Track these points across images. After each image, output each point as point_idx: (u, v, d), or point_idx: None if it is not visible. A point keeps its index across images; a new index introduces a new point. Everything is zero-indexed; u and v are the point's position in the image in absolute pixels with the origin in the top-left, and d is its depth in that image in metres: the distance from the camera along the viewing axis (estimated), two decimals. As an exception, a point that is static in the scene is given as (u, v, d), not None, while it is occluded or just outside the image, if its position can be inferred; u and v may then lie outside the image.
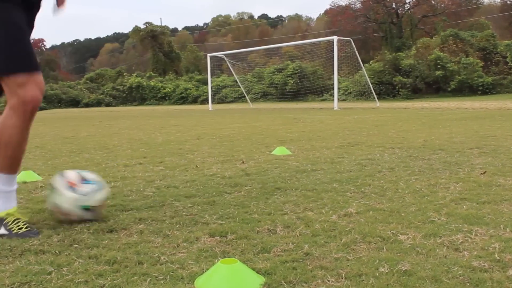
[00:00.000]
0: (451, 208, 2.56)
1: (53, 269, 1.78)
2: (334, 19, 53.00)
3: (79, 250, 2.01)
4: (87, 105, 41.90)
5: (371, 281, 1.62)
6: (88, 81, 49.89)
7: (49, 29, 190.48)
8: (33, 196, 3.17)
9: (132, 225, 2.37)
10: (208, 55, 28.16)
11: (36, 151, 5.95)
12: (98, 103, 42.49)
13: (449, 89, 29.67)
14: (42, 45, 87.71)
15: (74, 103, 42.45)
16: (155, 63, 57.69)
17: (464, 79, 29.10)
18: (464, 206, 2.59)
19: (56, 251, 2.00)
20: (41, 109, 37.57)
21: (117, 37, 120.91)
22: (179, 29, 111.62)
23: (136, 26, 59.53)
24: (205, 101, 36.22)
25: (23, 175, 3.81)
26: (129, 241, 2.11)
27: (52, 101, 40.77)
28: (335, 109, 18.83)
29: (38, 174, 3.95)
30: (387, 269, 1.71)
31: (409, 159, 4.42)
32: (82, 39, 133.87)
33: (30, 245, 2.07)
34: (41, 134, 9.10)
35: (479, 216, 2.37)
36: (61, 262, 1.85)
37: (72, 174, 2.53)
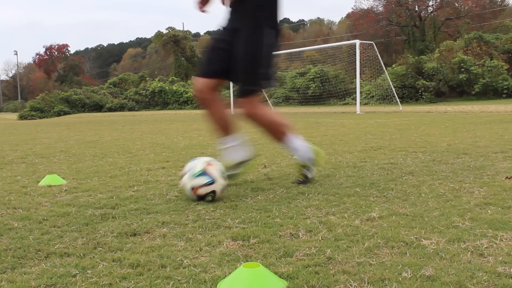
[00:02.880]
0: (476, 213, 2.53)
1: (77, 272, 1.81)
2: (356, 22, 52.81)
3: (103, 253, 2.03)
4: (110, 109, 42.28)
5: (394, 286, 1.61)
6: (111, 86, 50.36)
7: (73, 34, 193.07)
8: (57, 199, 3.21)
9: (155, 229, 2.39)
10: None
11: (61, 155, 6.03)
12: (121, 108, 42.83)
13: (473, 92, 29.32)
14: (67, 51, 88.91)
15: (98, 107, 42.88)
16: (178, 68, 58.01)
17: (489, 82, 28.72)
18: (489, 211, 2.56)
19: (81, 254, 2.02)
20: (65, 113, 38.02)
21: (140, 42, 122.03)
22: (201, 33, 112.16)
23: (158, 31, 59.90)
24: (227, 106, 36.31)
25: (48, 179, 3.86)
26: (152, 244, 2.13)
27: (76, 106, 41.23)
28: (357, 113, 18.74)
29: (63, 178, 4.00)
30: (410, 274, 1.70)
31: (432, 163, 4.38)
32: (105, 44, 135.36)
33: (55, 248, 2.10)
34: (65, 138, 9.21)
35: (504, 221, 2.34)
36: (85, 265, 1.88)
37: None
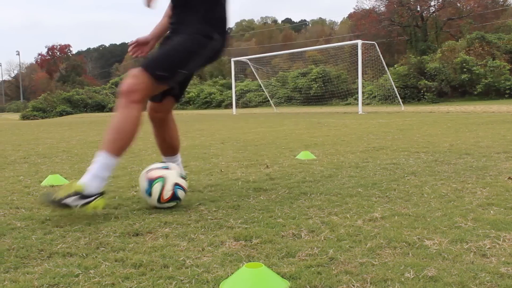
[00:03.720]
0: (478, 213, 2.53)
1: (80, 272, 1.81)
2: (358, 22, 52.77)
3: (105, 253, 2.04)
4: (112, 109, 42.34)
5: (396, 287, 1.61)
6: (113, 86, 50.40)
7: (75, 35, 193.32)
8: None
9: (157, 229, 2.39)
10: (232, 59, 28.25)
11: (63, 155, 6.04)
12: (123, 108, 42.81)
13: (475, 92, 29.31)
14: (69, 51, 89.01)
15: (100, 107, 42.97)
16: (180, 68, 57.89)
17: (491, 82, 28.71)
18: (491, 212, 2.56)
19: (83, 253, 2.03)
20: (67, 113, 38.07)
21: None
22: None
23: (160, 31, 59.83)
24: (229, 106, 36.33)
25: (50, 179, 3.87)
26: (155, 244, 2.13)
27: (78, 106, 41.32)
28: (359, 113, 18.74)
29: (65, 178, 4.01)
30: (412, 275, 1.70)
31: (435, 163, 4.38)
32: (107, 45, 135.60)
33: (58, 248, 2.10)
34: (68, 139, 9.22)
35: (507, 222, 2.34)
36: (88, 264, 1.88)
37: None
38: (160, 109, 3.21)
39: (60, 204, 2.48)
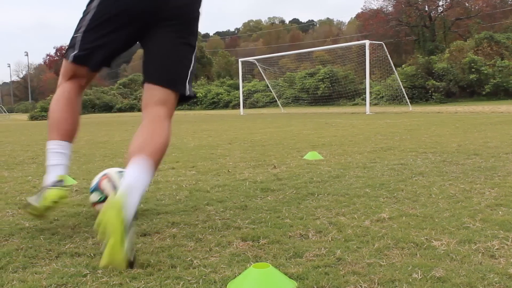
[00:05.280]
0: (486, 214, 2.52)
1: (88, 272, 1.81)
2: (365, 23, 52.72)
3: (113, 253, 2.04)
4: (120, 110, 42.48)
5: (404, 287, 1.60)
6: (121, 87, 50.61)
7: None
8: (68, 199, 3.22)
9: (165, 229, 2.40)
10: (240, 60, 28.26)
11: (71, 156, 6.05)
12: (131, 108, 42.99)
13: (483, 92, 29.18)
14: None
15: (108, 108, 43.09)
16: (187, 68, 58.00)
17: (499, 82, 28.58)
18: (500, 212, 2.55)
19: (91, 253, 2.03)
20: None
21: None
22: (211, 34, 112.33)
23: (168, 31, 59.99)
24: (236, 106, 36.34)
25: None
26: (162, 244, 2.14)
27: (86, 106, 41.45)
28: (367, 113, 18.69)
29: (73, 178, 4.02)
30: (420, 275, 1.69)
31: (443, 164, 4.36)
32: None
33: (66, 248, 2.11)
34: (76, 139, 9.24)
35: (516, 222, 2.33)
36: (96, 264, 1.88)
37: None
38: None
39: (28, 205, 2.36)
